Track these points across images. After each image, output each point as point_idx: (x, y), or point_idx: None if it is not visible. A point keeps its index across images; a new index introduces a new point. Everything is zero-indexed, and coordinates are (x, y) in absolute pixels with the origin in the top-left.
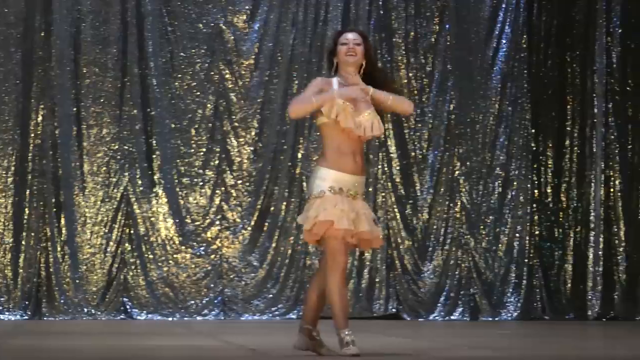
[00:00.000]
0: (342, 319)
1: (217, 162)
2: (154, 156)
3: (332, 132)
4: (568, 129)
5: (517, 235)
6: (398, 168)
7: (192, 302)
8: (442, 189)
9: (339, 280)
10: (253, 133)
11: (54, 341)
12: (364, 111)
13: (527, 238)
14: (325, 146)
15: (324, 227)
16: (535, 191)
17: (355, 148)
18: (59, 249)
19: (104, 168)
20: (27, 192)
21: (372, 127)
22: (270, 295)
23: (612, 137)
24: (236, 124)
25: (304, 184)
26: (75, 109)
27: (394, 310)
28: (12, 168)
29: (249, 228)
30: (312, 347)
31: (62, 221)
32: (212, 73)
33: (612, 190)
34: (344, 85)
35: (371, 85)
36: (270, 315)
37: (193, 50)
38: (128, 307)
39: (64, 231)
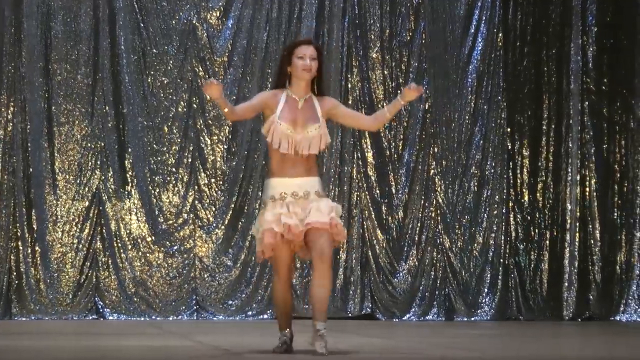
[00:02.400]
0: (281, 322)
1: (190, 160)
2: (126, 154)
3: (273, 149)
4: (544, 128)
5: (493, 235)
6: (373, 167)
7: (165, 302)
8: (417, 188)
9: (280, 286)
10: (227, 131)
11: (24, 342)
12: (309, 127)
13: (503, 238)
14: (270, 159)
15: (267, 238)
16: (511, 190)
17: (297, 159)
18: (29, 248)
19: (75, 166)
20: None
21: (309, 147)
22: (244, 296)
23: (588, 136)
24: (210, 122)
25: None
26: (46, 106)
27: (368, 310)
28: None
29: (223, 227)
30: (312, 340)
31: (33, 219)
32: (185, 70)
33: (587, 189)
34: (294, 101)
35: (315, 93)
36: (244, 315)
37: (166, 47)
38: (100, 307)
39: (34, 230)
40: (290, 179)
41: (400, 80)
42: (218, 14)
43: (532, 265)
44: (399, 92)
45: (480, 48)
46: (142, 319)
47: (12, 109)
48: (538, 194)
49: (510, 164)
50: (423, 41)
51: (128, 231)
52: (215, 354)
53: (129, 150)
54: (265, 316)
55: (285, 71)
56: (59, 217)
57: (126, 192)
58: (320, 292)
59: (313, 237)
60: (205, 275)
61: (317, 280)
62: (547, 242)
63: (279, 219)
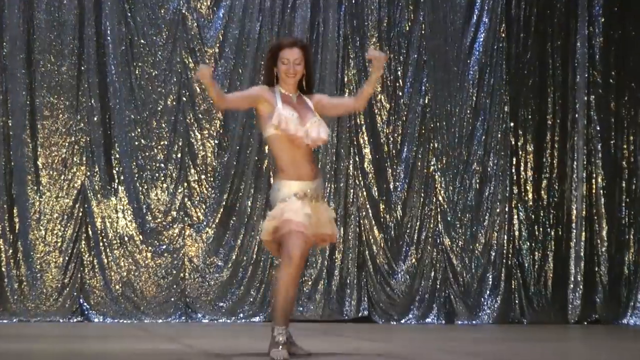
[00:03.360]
0: (281, 317)
1: (179, 155)
2: (113, 149)
3: (280, 143)
4: (548, 122)
5: (495, 234)
6: (370, 163)
7: (153, 303)
8: (416, 185)
9: (290, 277)
10: (218, 125)
11: (5, 345)
12: (309, 119)
13: (506, 237)
14: (279, 160)
15: (288, 225)
16: (514, 188)
17: (305, 155)
18: (11, 247)
19: (59, 161)
20: None
21: (319, 134)
22: (235, 297)
23: (594, 131)
24: (200, 116)
25: (270, 179)
26: (28, 98)
27: (365, 312)
28: None
29: (214, 226)
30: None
31: (15, 218)
32: (175, 61)
33: (594, 187)
34: (289, 97)
35: (302, 90)
36: (235, 318)
37: (154, 37)
38: (85, 309)
39: (16, 228)
40: (309, 182)
41: (399, 73)
42: (209, 3)
43: (536, 266)
44: (397, 85)
45: (482, 39)
46: (129, 321)
47: None
48: (542, 192)
49: (514, 160)
50: (423, 32)
51: (114, 230)
52: (204, 358)
53: (116, 145)
54: (258, 319)
55: (272, 72)
56: (42, 215)
57: (112, 189)
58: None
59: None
60: (195, 276)
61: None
62: (552, 241)
63: (311, 219)
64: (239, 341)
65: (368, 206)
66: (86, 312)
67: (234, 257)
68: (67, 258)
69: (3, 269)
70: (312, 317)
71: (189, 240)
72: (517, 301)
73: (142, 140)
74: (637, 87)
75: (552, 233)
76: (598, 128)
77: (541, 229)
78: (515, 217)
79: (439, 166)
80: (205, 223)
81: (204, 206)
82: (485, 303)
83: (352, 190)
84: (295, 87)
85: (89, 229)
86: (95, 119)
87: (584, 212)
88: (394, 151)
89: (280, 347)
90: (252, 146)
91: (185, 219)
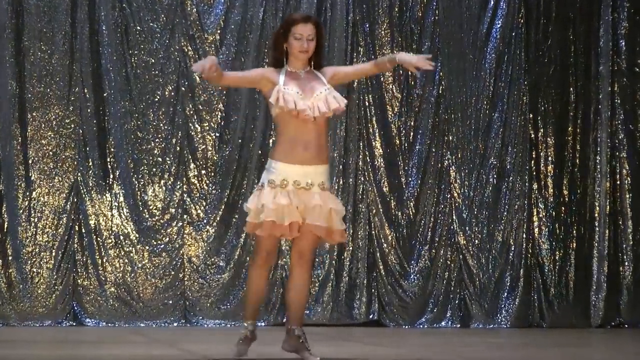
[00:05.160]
0: (248, 311)
1: (178, 149)
2: (107, 143)
3: (287, 122)
4: (570, 114)
5: (513, 232)
6: (381, 157)
7: (150, 306)
8: (430, 181)
9: (256, 274)
10: (219, 117)
11: None
12: (317, 91)
13: (525, 236)
14: (278, 137)
15: (253, 226)
16: (534, 183)
17: (311, 137)
18: None
19: (51, 156)
20: None
21: (326, 104)
22: (238, 299)
23: (619, 123)
24: (200, 107)
25: None
26: (17, 88)
27: (375, 316)
28: None
29: (214, 224)
30: (295, 348)
31: (3, 215)
32: (173, 49)
33: (618, 182)
34: (295, 74)
35: (313, 66)
36: (238, 321)
37: (151, 24)
38: (77, 312)
39: (5, 226)
40: (299, 166)
41: None
42: None
43: (557, 266)
44: (410, 74)
45: (499, 25)
46: (125, 325)
47: None
48: (564, 188)
49: (533, 154)
50: (436, 17)
51: (109, 228)
52: None
53: (110, 138)
54: (261, 323)
55: (282, 49)
56: (32, 212)
57: (107, 185)
58: (297, 296)
59: (299, 236)
60: (195, 277)
61: (294, 283)
62: (574, 240)
63: (283, 210)
64: None
65: (378, 203)
66: (79, 316)
67: (236, 257)
68: (58, 258)
69: None
70: (320, 321)
71: (188, 239)
72: (536, 303)
73: (139, 133)
74: None
75: (574, 231)
76: (622, 118)
77: (562, 227)
78: (535, 214)
79: (454, 160)
80: (205, 221)
81: (204, 203)
82: (502, 305)
83: (361, 187)
84: (305, 64)
85: (82, 227)
86: (89, 110)
87: (607, 209)
88: (405, 145)
89: (238, 342)
90: (255, 139)
91: (185, 216)
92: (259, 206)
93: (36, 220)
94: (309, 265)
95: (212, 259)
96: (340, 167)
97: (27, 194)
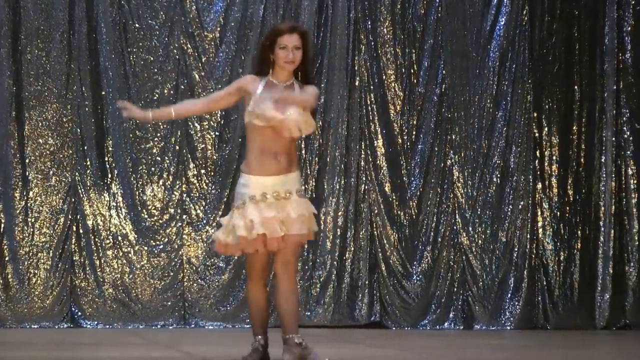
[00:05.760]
0: (255, 327)
1: (177, 149)
2: (106, 142)
3: (257, 132)
4: (575, 112)
5: (517, 232)
6: (383, 157)
7: (149, 308)
8: (432, 181)
9: (254, 290)
10: (218, 116)
11: None
12: (289, 110)
13: (529, 236)
14: (248, 149)
15: (241, 246)
16: (538, 183)
17: (279, 148)
18: None
19: (48, 155)
20: None
21: (298, 128)
22: (237, 301)
23: (624, 121)
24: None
25: None
26: (14, 87)
27: (377, 317)
28: None
29: (214, 224)
30: (300, 356)
31: (0, 215)
32: (172, 47)
33: (624, 181)
34: (274, 86)
35: (301, 81)
36: (237, 323)
37: (150, 21)
38: (75, 313)
39: (1, 227)
40: (272, 177)
41: (414, 60)
42: None
43: (562, 267)
44: (412, 72)
45: (503, 23)
46: (123, 327)
47: None
48: (568, 187)
49: (537, 153)
50: (439, 15)
51: (107, 228)
52: None
53: (109, 137)
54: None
55: (268, 59)
56: (30, 212)
57: (105, 185)
58: (288, 304)
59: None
60: (194, 278)
61: (284, 291)
62: (578, 241)
63: (267, 223)
64: (241, 348)
65: (380, 203)
66: (76, 317)
67: (235, 257)
68: (56, 259)
69: None
70: (321, 323)
71: (187, 239)
72: (540, 305)
73: (137, 132)
74: None
75: (579, 232)
76: (628, 118)
77: (567, 227)
78: (539, 214)
79: (457, 160)
80: (205, 221)
81: (203, 203)
82: (506, 307)
83: (363, 186)
84: (289, 75)
85: (80, 227)
86: (87, 109)
87: (613, 209)
88: (408, 144)
89: (249, 353)
90: None
91: (184, 216)
92: (248, 222)
93: (33, 220)
94: (294, 271)
95: (212, 260)
96: (342, 166)
97: (24, 193)
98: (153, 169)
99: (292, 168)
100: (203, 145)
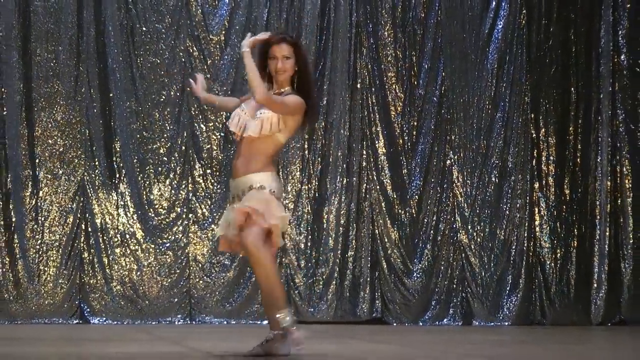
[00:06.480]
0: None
1: (183, 149)
2: (114, 142)
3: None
4: (571, 113)
5: (515, 231)
6: (384, 157)
7: (156, 304)
8: (432, 180)
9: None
10: (223, 117)
11: (1, 348)
12: (258, 111)
13: (526, 234)
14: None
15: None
16: (535, 182)
17: (242, 149)
18: (6, 245)
19: (57, 155)
20: None
21: (247, 128)
22: (242, 297)
23: (619, 122)
24: (205, 107)
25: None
26: (24, 89)
27: (378, 313)
28: None
29: (219, 223)
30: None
31: (11, 214)
32: (178, 50)
33: (619, 181)
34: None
35: (297, 89)
36: (242, 319)
37: (157, 25)
38: (84, 310)
39: (12, 226)
40: (236, 179)
41: (414, 62)
42: None
43: (558, 265)
44: (412, 73)
45: (501, 26)
46: (131, 323)
47: None
48: (565, 187)
49: (535, 153)
50: (439, 18)
51: (115, 227)
52: None
53: (116, 138)
54: (266, 320)
55: (264, 70)
56: (39, 211)
57: (113, 184)
58: (262, 288)
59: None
60: (200, 275)
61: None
62: (575, 239)
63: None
64: (247, 344)
65: (382, 202)
66: (85, 314)
67: (240, 255)
68: (65, 257)
69: None
70: (324, 319)
71: (193, 237)
72: (537, 301)
73: (144, 133)
74: None
75: (575, 230)
76: (623, 119)
77: (563, 226)
78: (537, 213)
79: (456, 160)
80: (210, 220)
81: (209, 202)
82: (504, 303)
83: (364, 186)
84: (285, 84)
85: (89, 226)
86: (95, 110)
87: (608, 208)
88: (408, 144)
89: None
90: None
91: (190, 215)
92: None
93: (43, 219)
94: (254, 255)
95: (217, 258)
96: (344, 166)
97: (35, 193)
98: (160, 169)
99: (250, 169)
100: (208, 146)
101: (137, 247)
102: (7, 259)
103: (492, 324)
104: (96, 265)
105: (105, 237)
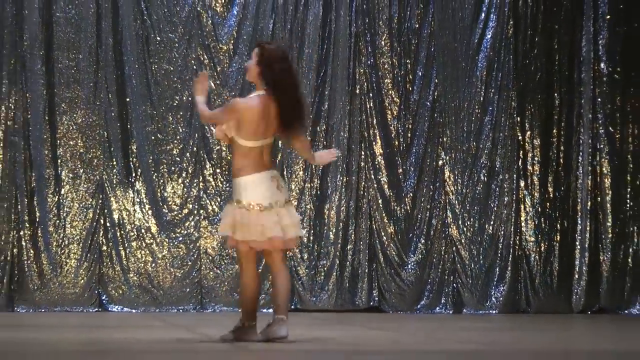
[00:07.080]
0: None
1: (195, 150)
2: (130, 144)
3: None
4: (555, 117)
5: (502, 226)
6: (381, 157)
7: (169, 294)
8: (426, 179)
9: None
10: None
11: (26, 334)
12: None
13: (512, 229)
14: None
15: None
16: (521, 181)
17: (233, 155)
18: (31, 239)
19: (78, 156)
20: None
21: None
22: None
23: (599, 125)
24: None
25: (285, 173)
26: (47, 94)
27: (376, 302)
28: None
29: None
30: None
31: (35, 211)
32: (190, 58)
33: (599, 180)
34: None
35: (271, 90)
36: None
37: (170, 35)
38: (103, 299)
39: (36, 221)
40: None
41: (409, 69)
42: (223, 1)
43: (542, 257)
44: (407, 80)
45: (490, 36)
46: (146, 311)
47: (13, 97)
48: (549, 185)
49: (521, 154)
50: (432, 29)
51: (132, 222)
52: (219, 347)
53: (133, 140)
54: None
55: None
56: (62, 208)
57: (130, 183)
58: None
59: None
60: (210, 267)
61: None
62: (558, 233)
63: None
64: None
65: (379, 199)
66: (104, 302)
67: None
68: (85, 249)
69: (23, 261)
70: (325, 307)
71: (204, 232)
72: (523, 291)
73: (159, 135)
74: None
75: (558, 225)
76: (602, 120)
77: (547, 222)
78: (522, 209)
79: (448, 160)
80: (220, 215)
81: (219, 199)
82: (492, 293)
83: (363, 184)
84: (256, 86)
85: (107, 221)
86: (113, 114)
87: (589, 205)
88: (404, 145)
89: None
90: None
91: (201, 211)
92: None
93: (65, 214)
94: (240, 267)
95: (226, 251)
96: (344, 166)
97: (57, 190)
98: (173, 168)
99: (234, 173)
100: (218, 147)
101: (152, 240)
102: (31, 251)
103: (481, 312)
104: (114, 258)
105: (122, 232)
